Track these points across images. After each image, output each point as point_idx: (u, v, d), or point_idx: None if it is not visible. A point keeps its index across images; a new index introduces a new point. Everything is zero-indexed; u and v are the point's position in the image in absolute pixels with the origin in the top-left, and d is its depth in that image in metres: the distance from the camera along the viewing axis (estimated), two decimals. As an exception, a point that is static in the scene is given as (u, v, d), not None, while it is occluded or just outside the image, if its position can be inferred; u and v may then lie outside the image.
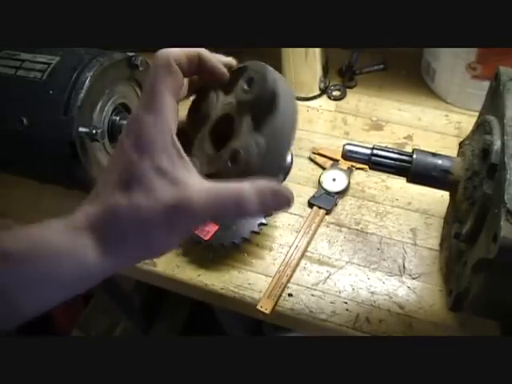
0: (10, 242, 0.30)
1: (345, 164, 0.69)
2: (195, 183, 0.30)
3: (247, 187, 0.31)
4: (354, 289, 0.58)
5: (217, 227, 0.60)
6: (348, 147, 0.47)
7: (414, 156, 0.45)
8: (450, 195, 0.48)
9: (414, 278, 0.58)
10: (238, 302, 0.59)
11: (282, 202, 0.32)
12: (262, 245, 0.63)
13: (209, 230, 0.60)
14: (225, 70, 0.36)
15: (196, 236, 0.60)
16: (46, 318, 1.29)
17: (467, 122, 0.74)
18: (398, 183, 0.67)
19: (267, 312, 0.56)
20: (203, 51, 0.35)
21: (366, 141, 0.72)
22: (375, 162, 0.47)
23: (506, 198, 0.36)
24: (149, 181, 0.30)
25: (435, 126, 0.75)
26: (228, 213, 0.31)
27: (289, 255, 0.61)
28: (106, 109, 0.61)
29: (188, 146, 0.36)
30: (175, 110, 0.32)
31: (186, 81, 0.35)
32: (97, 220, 0.31)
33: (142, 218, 0.29)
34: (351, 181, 0.68)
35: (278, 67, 0.80)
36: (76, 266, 0.30)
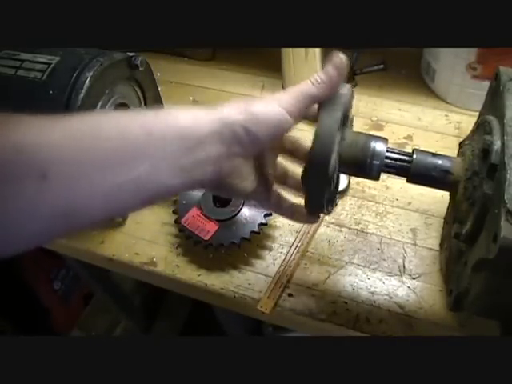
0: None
1: (345, 164, 0.69)
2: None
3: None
4: (354, 289, 0.58)
5: (217, 227, 0.60)
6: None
7: (414, 156, 0.45)
8: (450, 195, 0.48)
9: (414, 278, 0.58)
10: (238, 302, 0.59)
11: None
12: (262, 245, 0.63)
13: (209, 230, 0.60)
14: None
15: (196, 236, 0.60)
16: (45, 317, 1.29)
17: (467, 121, 0.74)
18: (398, 183, 0.67)
19: (267, 312, 0.56)
20: None
21: (366, 141, 0.72)
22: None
23: (506, 198, 0.36)
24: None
25: (435, 126, 0.75)
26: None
27: (289, 255, 0.61)
28: (105, 109, 0.61)
29: None
30: None
31: None
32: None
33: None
34: (351, 181, 0.68)
35: (278, 67, 0.80)
36: None
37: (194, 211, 0.61)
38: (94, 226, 0.33)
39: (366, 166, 0.43)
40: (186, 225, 0.61)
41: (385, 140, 0.44)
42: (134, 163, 0.33)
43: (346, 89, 0.41)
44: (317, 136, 0.39)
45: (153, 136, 0.34)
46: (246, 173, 0.40)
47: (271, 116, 0.37)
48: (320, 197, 0.41)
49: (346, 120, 0.42)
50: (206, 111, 0.36)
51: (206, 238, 0.59)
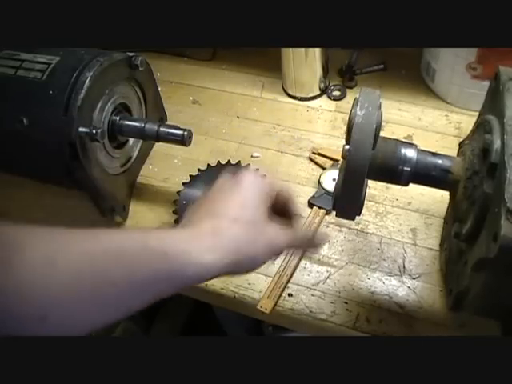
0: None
1: (345, 164, 0.69)
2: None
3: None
4: (353, 289, 0.58)
5: None
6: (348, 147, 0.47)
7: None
8: (450, 195, 0.48)
9: (414, 278, 0.58)
10: (238, 302, 0.59)
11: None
12: (262, 245, 0.63)
13: None
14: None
15: None
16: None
17: (467, 121, 0.74)
18: (398, 183, 0.67)
19: (267, 312, 0.56)
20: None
21: (366, 141, 0.72)
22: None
23: (506, 197, 0.36)
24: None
25: (435, 126, 0.75)
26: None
27: (289, 255, 0.61)
28: (105, 109, 0.61)
29: None
30: None
31: None
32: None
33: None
34: (351, 181, 0.68)
35: (278, 67, 0.80)
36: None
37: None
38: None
39: (396, 172, 0.44)
40: None
41: (414, 146, 0.45)
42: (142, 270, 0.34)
43: (377, 92, 0.41)
44: (354, 141, 0.39)
45: (159, 283, 0.35)
46: None
47: (259, 262, 0.40)
48: (356, 201, 0.42)
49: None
50: (216, 258, 0.36)
51: None
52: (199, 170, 0.67)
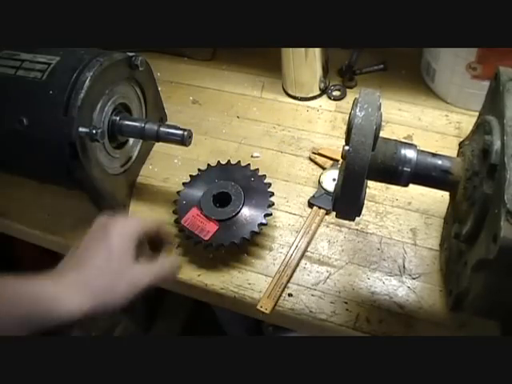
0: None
1: (345, 164, 0.69)
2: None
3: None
4: (353, 289, 0.58)
5: (217, 227, 0.60)
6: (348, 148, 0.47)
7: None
8: (450, 195, 0.48)
9: (414, 278, 0.58)
10: (238, 302, 0.59)
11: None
12: (262, 245, 0.63)
13: (209, 230, 0.60)
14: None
15: (196, 236, 0.59)
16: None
17: (467, 121, 0.74)
18: (398, 183, 0.67)
19: (267, 312, 0.56)
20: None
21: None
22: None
23: (505, 198, 0.36)
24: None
25: (435, 126, 0.75)
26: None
27: (289, 255, 0.61)
28: (105, 109, 0.61)
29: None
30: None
31: None
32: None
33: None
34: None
35: (278, 67, 0.80)
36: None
37: (194, 211, 0.61)
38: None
39: (396, 173, 0.44)
40: (185, 225, 0.61)
41: (414, 146, 0.45)
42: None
43: (377, 93, 0.41)
44: (353, 142, 0.39)
45: (32, 323, 0.40)
46: None
47: (119, 302, 0.44)
48: (355, 202, 0.42)
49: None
50: (82, 301, 0.42)
51: (206, 238, 0.59)
52: (199, 170, 0.67)
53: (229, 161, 0.68)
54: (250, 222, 0.60)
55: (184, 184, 0.66)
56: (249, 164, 0.66)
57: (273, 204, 0.62)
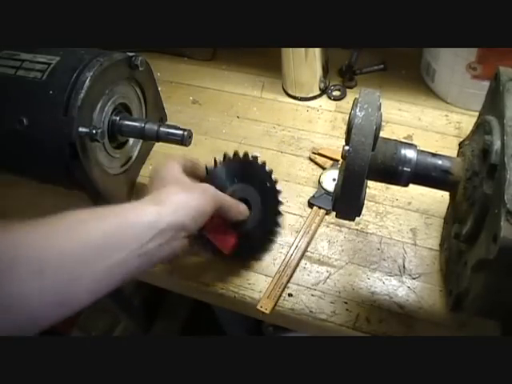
0: None
1: (345, 164, 0.69)
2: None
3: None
4: (353, 289, 0.58)
5: (235, 239, 0.56)
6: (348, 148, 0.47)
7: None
8: (450, 195, 0.48)
9: (414, 278, 0.58)
10: (238, 302, 0.59)
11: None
12: (262, 245, 0.63)
13: (228, 242, 0.56)
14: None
15: (215, 248, 0.57)
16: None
17: (467, 121, 0.74)
18: (398, 183, 0.67)
19: (267, 312, 0.56)
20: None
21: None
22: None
23: (505, 198, 0.36)
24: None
25: (435, 126, 0.75)
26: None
27: (289, 255, 0.61)
28: (105, 109, 0.61)
29: None
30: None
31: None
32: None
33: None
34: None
35: (278, 67, 0.80)
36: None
37: (216, 219, 0.53)
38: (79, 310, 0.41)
39: (396, 173, 0.44)
40: (207, 234, 0.55)
41: (414, 146, 0.45)
42: (115, 254, 0.41)
43: (377, 93, 0.41)
44: (353, 142, 0.39)
45: (128, 232, 0.43)
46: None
47: (204, 207, 0.48)
48: (355, 202, 0.42)
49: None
50: (163, 208, 0.46)
51: (227, 252, 0.56)
52: (215, 161, 0.60)
53: (246, 154, 0.60)
54: (263, 232, 0.59)
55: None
56: (264, 163, 0.59)
57: (281, 214, 0.60)
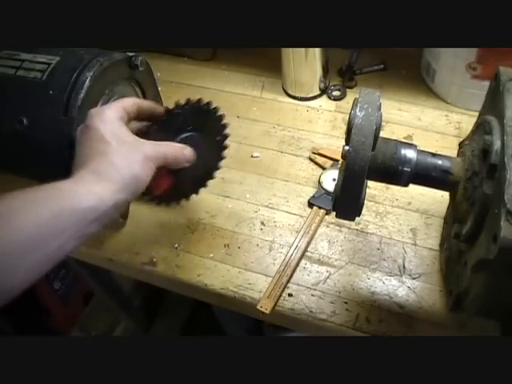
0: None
1: (345, 164, 0.69)
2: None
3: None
4: (353, 289, 0.58)
5: (170, 181, 0.54)
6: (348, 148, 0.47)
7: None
8: (450, 195, 0.48)
9: (414, 278, 0.58)
10: (238, 302, 0.59)
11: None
12: (262, 245, 0.63)
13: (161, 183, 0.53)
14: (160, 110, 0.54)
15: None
16: (45, 317, 1.29)
17: (467, 122, 0.74)
18: (398, 183, 0.67)
19: (267, 312, 0.56)
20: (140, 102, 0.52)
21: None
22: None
23: (505, 198, 0.36)
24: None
25: (435, 126, 0.75)
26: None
27: (289, 255, 0.61)
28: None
29: None
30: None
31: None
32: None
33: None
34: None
35: (278, 67, 0.80)
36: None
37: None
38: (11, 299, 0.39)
39: (396, 173, 0.44)
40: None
41: (414, 146, 0.45)
42: (50, 242, 0.39)
43: (377, 93, 0.41)
44: (353, 142, 0.39)
45: (65, 220, 0.40)
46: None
47: (147, 176, 0.45)
48: (355, 202, 0.42)
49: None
50: (104, 188, 0.42)
51: (157, 192, 0.53)
52: (168, 110, 0.56)
53: (200, 100, 0.58)
54: (207, 168, 0.59)
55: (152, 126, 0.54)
56: (222, 115, 0.59)
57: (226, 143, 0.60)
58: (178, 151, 0.50)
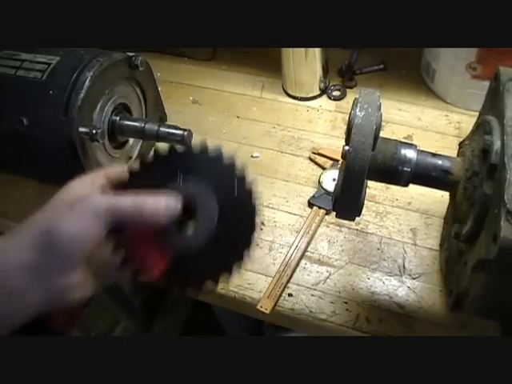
0: None
1: (345, 164, 0.69)
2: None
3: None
4: (353, 289, 0.58)
5: (165, 263, 0.39)
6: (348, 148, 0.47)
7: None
8: (450, 195, 0.48)
9: (414, 278, 0.58)
10: (238, 302, 0.59)
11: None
12: (262, 245, 0.63)
13: (155, 264, 0.39)
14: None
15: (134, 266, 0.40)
16: (45, 317, 1.29)
17: (467, 122, 0.74)
18: (398, 183, 0.67)
19: (267, 312, 0.56)
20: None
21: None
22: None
23: (505, 198, 0.36)
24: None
25: (435, 126, 0.75)
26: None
27: (289, 255, 0.61)
28: (106, 109, 0.61)
29: None
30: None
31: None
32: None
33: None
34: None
35: (278, 67, 0.80)
36: None
37: (135, 230, 0.38)
38: None
39: (396, 173, 0.44)
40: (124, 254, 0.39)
41: (414, 146, 0.45)
42: None
43: (377, 93, 0.41)
44: (353, 142, 0.39)
45: None
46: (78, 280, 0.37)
47: (85, 231, 0.35)
48: (355, 202, 0.42)
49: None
50: (14, 238, 0.36)
51: (153, 276, 0.39)
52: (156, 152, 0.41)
53: (205, 145, 0.40)
54: (224, 257, 0.40)
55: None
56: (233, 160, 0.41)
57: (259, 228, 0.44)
58: (148, 200, 0.36)
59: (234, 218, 0.39)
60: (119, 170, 0.41)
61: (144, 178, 0.40)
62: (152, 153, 0.41)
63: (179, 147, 0.40)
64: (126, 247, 0.38)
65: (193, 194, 0.39)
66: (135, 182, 0.40)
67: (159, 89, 0.74)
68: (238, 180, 0.39)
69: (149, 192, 0.37)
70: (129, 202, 0.36)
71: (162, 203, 0.37)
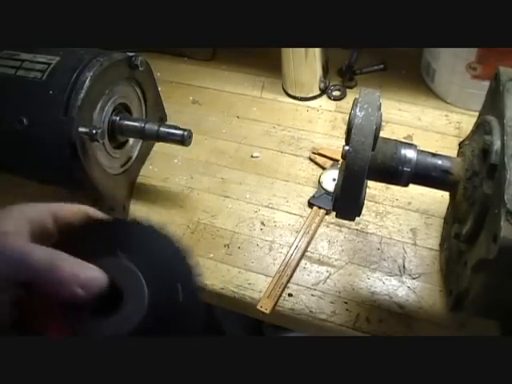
0: None
1: (345, 164, 0.69)
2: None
3: None
4: (353, 289, 0.58)
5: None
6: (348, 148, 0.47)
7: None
8: (450, 195, 0.48)
9: (414, 278, 0.58)
10: (238, 302, 0.59)
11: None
12: (262, 245, 0.63)
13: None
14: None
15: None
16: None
17: (467, 122, 0.74)
18: (398, 183, 0.67)
19: (267, 312, 0.56)
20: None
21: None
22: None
23: (505, 198, 0.36)
24: None
25: (435, 126, 0.75)
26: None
27: (289, 255, 0.61)
28: (106, 109, 0.61)
29: None
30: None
31: None
32: None
33: None
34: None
35: (278, 67, 0.80)
36: None
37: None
38: None
39: (396, 173, 0.44)
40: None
41: (414, 146, 0.45)
42: None
43: (377, 93, 0.41)
44: (353, 142, 0.39)
45: None
46: None
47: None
48: (355, 202, 0.42)
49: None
50: None
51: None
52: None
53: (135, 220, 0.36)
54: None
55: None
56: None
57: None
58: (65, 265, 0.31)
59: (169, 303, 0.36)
60: (74, 211, 0.36)
61: (77, 241, 0.35)
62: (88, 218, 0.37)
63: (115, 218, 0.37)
64: (26, 308, 0.33)
65: (122, 276, 0.33)
66: (70, 239, 0.35)
67: (159, 89, 0.74)
68: (176, 259, 0.35)
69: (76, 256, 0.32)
70: (44, 255, 0.31)
71: (86, 272, 0.32)
